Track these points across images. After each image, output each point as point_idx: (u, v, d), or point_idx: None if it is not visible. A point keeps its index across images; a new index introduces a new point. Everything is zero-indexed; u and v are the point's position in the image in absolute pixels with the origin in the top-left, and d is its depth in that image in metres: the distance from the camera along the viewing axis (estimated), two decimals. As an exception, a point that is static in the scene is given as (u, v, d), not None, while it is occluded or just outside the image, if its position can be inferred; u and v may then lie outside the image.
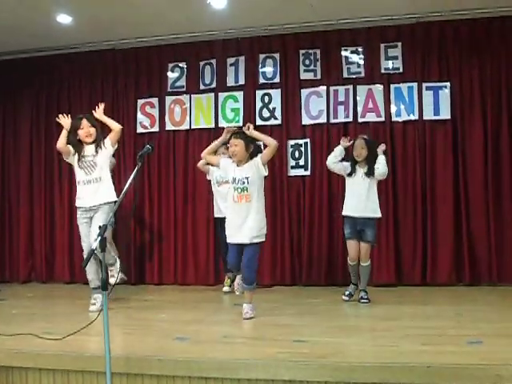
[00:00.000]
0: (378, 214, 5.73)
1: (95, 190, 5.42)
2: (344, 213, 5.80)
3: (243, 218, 4.88)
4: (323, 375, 3.17)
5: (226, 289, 6.62)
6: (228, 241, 5.02)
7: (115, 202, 5.39)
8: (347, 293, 5.82)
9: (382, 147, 5.85)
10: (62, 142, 5.46)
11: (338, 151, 5.83)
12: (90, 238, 5.25)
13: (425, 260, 6.79)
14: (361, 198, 5.64)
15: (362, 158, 5.68)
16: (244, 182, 4.89)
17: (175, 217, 7.60)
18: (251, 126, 5.03)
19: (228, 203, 5.08)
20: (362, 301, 5.66)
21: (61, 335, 3.86)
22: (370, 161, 5.67)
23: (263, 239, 5.01)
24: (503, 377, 2.96)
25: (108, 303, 3.25)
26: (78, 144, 5.50)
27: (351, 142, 5.84)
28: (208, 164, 6.27)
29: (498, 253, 6.57)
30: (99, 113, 5.58)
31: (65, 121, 5.49)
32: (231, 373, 3.29)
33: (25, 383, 3.62)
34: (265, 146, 5.12)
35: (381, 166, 5.67)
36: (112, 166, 6.37)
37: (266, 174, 5.03)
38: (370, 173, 5.65)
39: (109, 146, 5.53)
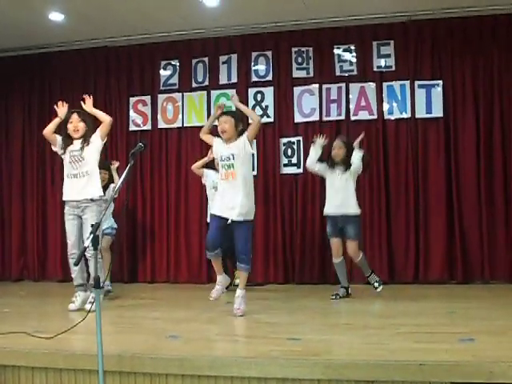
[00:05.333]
0: (357, 211, 5.81)
1: (83, 184, 5.31)
2: (325, 212, 5.93)
3: (232, 196, 4.85)
4: (316, 373, 3.16)
5: None
6: (213, 212, 4.97)
7: (101, 198, 5.41)
8: (334, 293, 5.83)
9: (358, 138, 5.99)
10: (49, 129, 5.42)
11: (314, 151, 5.97)
12: (84, 237, 5.25)
13: (417, 258, 6.82)
14: (338, 197, 5.78)
15: (340, 158, 5.81)
16: (230, 159, 4.89)
17: (168, 215, 7.59)
18: (236, 97, 5.27)
19: (218, 181, 5.08)
20: (378, 290, 5.84)
21: (53, 333, 3.84)
22: (347, 160, 5.78)
23: (252, 217, 5.00)
24: (495, 374, 2.97)
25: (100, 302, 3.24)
26: (66, 137, 5.44)
27: (326, 140, 5.97)
28: (202, 167, 6.35)
29: (490, 250, 6.61)
30: (88, 105, 5.53)
31: (61, 109, 5.48)
32: (224, 371, 3.28)
33: (17, 382, 3.60)
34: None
35: (355, 160, 5.77)
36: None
37: (253, 151, 5.13)
38: (346, 170, 5.77)
39: (97, 139, 5.41)
